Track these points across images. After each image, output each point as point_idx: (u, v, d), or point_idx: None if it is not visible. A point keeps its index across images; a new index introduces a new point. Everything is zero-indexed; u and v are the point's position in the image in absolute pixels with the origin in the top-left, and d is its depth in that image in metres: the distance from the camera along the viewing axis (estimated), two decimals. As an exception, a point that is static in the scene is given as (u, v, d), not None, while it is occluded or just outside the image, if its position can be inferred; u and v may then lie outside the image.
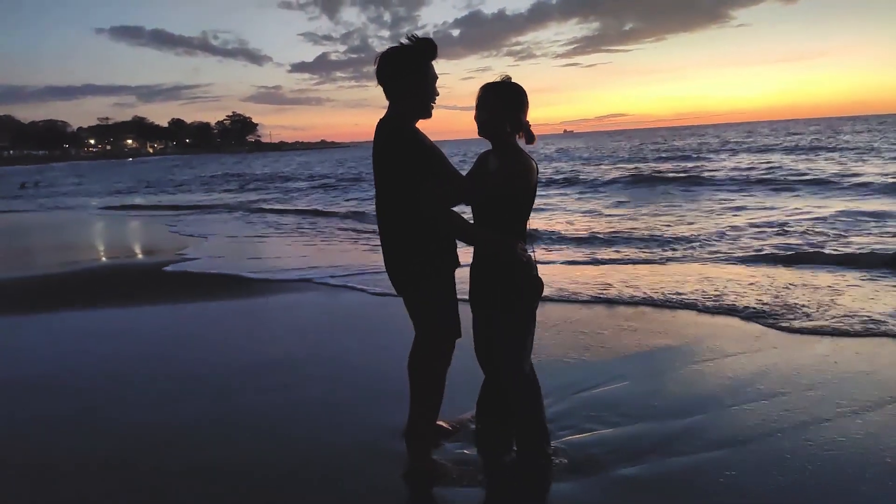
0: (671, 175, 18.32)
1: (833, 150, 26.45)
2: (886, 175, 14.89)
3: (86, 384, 3.69)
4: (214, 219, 14.10)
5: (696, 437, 2.73)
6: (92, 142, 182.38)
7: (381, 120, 2.29)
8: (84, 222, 14.52)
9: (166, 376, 3.76)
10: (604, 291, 5.44)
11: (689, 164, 22.36)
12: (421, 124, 2.34)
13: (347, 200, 17.45)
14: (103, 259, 8.72)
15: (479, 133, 2.34)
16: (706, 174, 18.12)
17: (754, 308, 4.70)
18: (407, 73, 2.20)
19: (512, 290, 2.34)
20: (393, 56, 2.21)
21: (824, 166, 18.77)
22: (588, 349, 3.97)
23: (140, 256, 9.03)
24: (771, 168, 18.89)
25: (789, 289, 5.27)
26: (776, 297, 5.00)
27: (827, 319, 4.35)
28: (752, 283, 5.52)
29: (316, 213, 14.44)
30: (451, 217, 2.24)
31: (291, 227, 11.80)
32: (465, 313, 2.51)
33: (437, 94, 2.27)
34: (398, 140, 2.18)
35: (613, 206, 13.22)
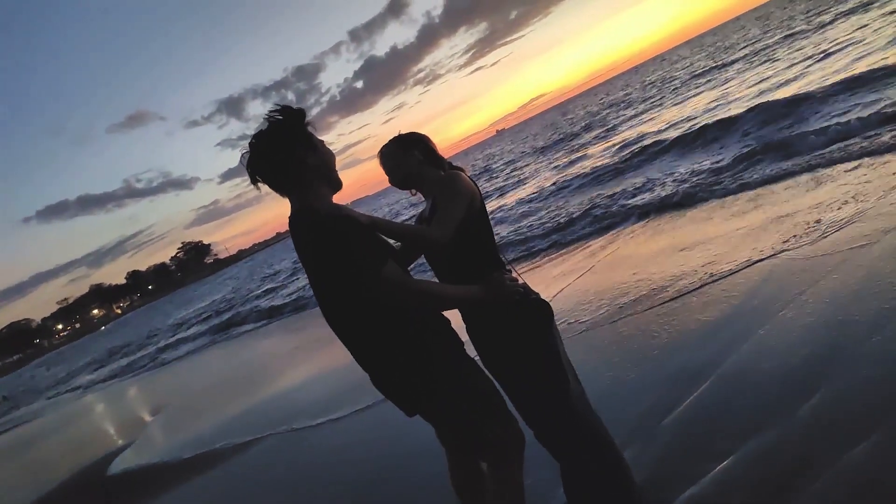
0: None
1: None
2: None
3: None
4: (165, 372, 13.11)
5: (836, 426, 2.10)
6: (60, 327, 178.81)
7: (290, 217, 1.75)
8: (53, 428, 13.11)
9: None
10: (610, 277, 4.86)
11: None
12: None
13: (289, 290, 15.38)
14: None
15: (403, 187, 2.05)
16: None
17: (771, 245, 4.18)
18: (289, 158, 1.70)
19: (519, 332, 1.89)
20: (260, 153, 1.71)
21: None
22: (641, 356, 3.32)
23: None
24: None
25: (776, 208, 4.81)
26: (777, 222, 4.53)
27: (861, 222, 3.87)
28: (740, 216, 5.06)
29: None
30: (416, 291, 1.68)
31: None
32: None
33: (333, 156, 1.81)
34: (322, 233, 1.65)
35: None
